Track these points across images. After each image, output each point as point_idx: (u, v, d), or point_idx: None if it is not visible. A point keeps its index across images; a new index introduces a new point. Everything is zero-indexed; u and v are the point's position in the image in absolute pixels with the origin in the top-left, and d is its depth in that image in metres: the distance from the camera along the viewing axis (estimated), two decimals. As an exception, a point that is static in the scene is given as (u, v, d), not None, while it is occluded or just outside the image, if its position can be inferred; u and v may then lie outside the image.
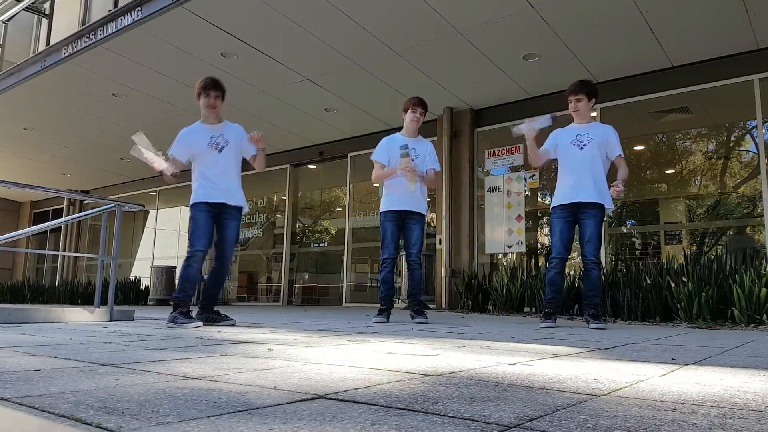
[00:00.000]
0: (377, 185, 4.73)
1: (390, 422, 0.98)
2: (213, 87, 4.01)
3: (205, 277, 4.13)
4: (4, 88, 8.24)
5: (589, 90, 4.10)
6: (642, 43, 6.22)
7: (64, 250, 14.39)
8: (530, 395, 1.26)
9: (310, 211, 11.42)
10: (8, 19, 10.70)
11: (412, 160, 4.30)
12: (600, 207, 3.95)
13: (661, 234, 7.38)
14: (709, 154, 7.16)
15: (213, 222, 3.93)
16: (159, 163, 3.88)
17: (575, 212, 3.98)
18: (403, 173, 4.25)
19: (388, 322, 4.30)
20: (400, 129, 4.64)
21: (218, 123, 4.09)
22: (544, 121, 3.93)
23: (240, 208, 4.05)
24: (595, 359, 1.97)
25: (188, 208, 3.98)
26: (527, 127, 3.95)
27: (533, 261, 7.87)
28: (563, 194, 4.02)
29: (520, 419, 1.02)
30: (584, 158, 3.99)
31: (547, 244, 4.45)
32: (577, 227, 4.05)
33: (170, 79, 7.58)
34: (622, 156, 4.08)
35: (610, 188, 3.94)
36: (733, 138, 7.21)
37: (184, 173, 4.00)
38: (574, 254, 5.17)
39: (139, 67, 7.28)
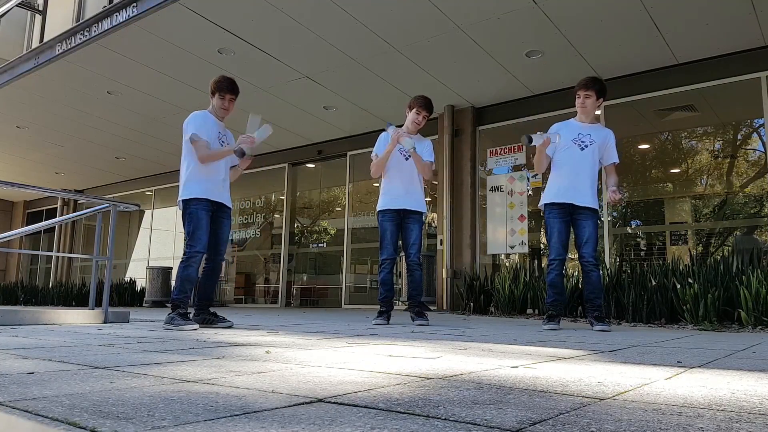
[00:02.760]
0: (377, 185, 4.65)
1: (390, 426, 0.97)
2: (230, 90, 3.96)
3: (199, 277, 4.05)
4: (-3, 85, 8.15)
5: (600, 88, 4.07)
6: (647, 40, 6.17)
7: (58, 251, 14.30)
8: (533, 399, 1.25)
9: (308, 211, 11.34)
10: (1, 15, 10.59)
11: (407, 159, 4.30)
12: (594, 209, 3.99)
13: (666, 234, 7.33)
14: (716, 152, 7.11)
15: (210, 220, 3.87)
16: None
17: (570, 212, 3.98)
18: (396, 137, 4.23)
19: (388, 324, 4.25)
20: (400, 127, 4.55)
21: (222, 122, 4.06)
22: (556, 138, 3.93)
23: (230, 208, 4.06)
24: (599, 362, 1.96)
25: (182, 201, 3.83)
26: (547, 141, 3.90)
27: (536, 262, 7.79)
28: (558, 192, 4.00)
29: (523, 423, 1.01)
30: (583, 159, 3.99)
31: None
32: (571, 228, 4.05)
33: (166, 76, 7.49)
34: (617, 163, 4.12)
35: (604, 193, 4.00)
36: (739, 136, 7.16)
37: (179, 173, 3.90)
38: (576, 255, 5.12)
39: (135, 64, 7.19)
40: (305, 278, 10.91)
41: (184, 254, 3.80)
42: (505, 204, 7.87)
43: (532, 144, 3.92)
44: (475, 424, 1.00)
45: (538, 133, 3.93)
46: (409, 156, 4.32)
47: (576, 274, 5.69)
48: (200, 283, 4.02)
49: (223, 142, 3.94)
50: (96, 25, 6.61)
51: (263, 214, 11.52)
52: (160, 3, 5.86)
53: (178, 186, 3.95)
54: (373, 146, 4.51)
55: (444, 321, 5.05)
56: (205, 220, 3.79)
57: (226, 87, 3.94)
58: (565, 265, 4.06)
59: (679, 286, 4.69)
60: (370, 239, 9.40)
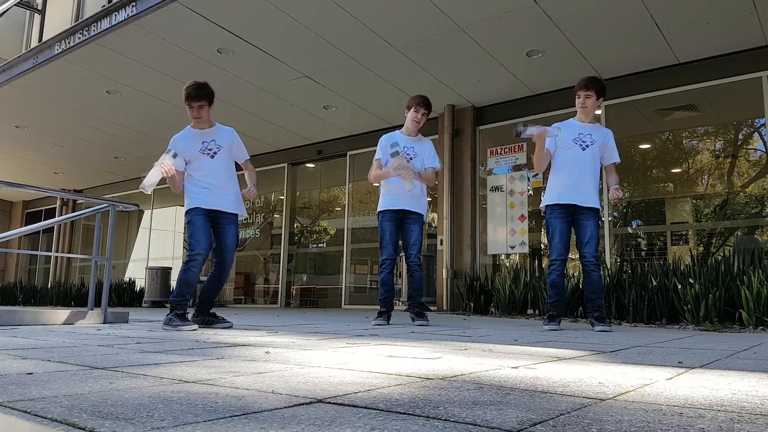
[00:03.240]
0: (377, 185, 4.63)
1: (390, 427, 0.97)
2: (194, 97, 3.77)
3: (203, 279, 4.04)
4: (-4, 85, 8.12)
5: (600, 87, 4.07)
6: (647, 39, 6.15)
7: (57, 251, 14.28)
8: (533, 399, 1.25)
9: (308, 211, 11.32)
10: (0, 15, 10.57)
11: (408, 160, 4.22)
12: (596, 209, 3.98)
13: (667, 234, 7.32)
14: (717, 152, 7.10)
15: (210, 225, 3.86)
16: (168, 168, 3.68)
17: (572, 213, 3.97)
18: (396, 173, 4.13)
19: (388, 324, 4.24)
20: (400, 127, 4.53)
21: (209, 127, 3.93)
22: (556, 132, 3.84)
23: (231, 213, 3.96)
24: (599, 362, 1.95)
25: (183, 215, 3.91)
26: (544, 133, 3.83)
27: (536, 262, 7.77)
28: (561, 193, 3.98)
29: (523, 424, 1.01)
30: (585, 159, 3.99)
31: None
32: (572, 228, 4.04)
33: (165, 75, 7.47)
34: (618, 163, 4.12)
35: (607, 192, 3.98)
36: (741, 136, 7.16)
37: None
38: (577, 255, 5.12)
39: (134, 63, 7.18)
40: (305, 278, 10.89)
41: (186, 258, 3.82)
42: (506, 204, 7.85)
43: (523, 135, 3.81)
44: (476, 425, 0.99)
45: (531, 126, 3.82)
46: (411, 158, 4.29)
47: (576, 274, 5.67)
48: (203, 287, 4.00)
49: (208, 150, 3.85)
50: (95, 24, 6.59)
51: (263, 215, 11.50)
52: (159, 2, 5.84)
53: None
54: (374, 146, 4.49)
55: (444, 321, 5.03)
56: (201, 224, 3.78)
57: (190, 95, 3.77)
58: (566, 265, 4.05)
59: (680, 287, 4.67)
60: (370, 239, 9.38)
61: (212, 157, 3.85)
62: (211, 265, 4.02)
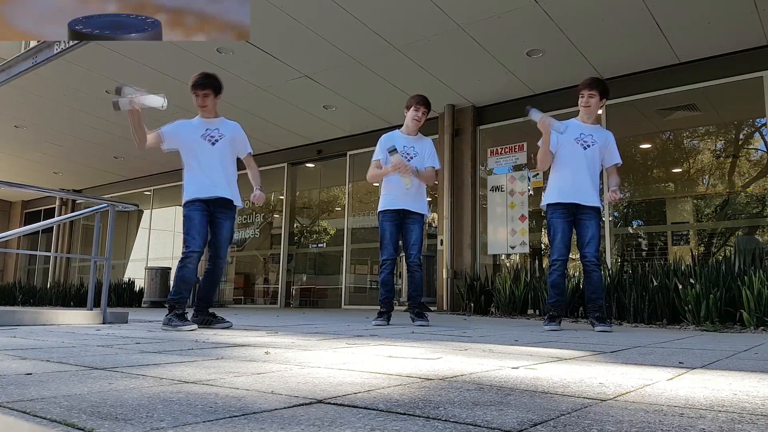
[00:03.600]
0: (377, 185, 4.63)
1: (390, 427, 0.97)
2: (200, 85, 3.88)
3: (200, 278, 4.04)
4: (-4, 84, 8.11)
5: (604, 88, 4.08)
6: (648, 39, 6.15)
7: (56, 251, 14.27)
8: (534, 400, 1.24)
9: (308, 211, 11.32)
10: None
11: (408, 160, 4.21)
12: (597, 209, 3.99)
13: (668, 234, 7.32)
14: (718, 152, 7.11)
15: (207, 221, 3.86)
16: (139, 102, 3.68)
17: (573, 212, 3.96)
18: (395, 170, 4.15)
19: (388, 324, 4.23)
20: (400, 126, 4.52)
21: (214, 118, 4.01)
22: (559, 127, 3.82)
23: (233, 205, 3.96)
24: (600, 363, 1.94)
25: (182, 207, 3.91)
26: (547, 121, 3.82)
27: (537, 262, 7.77)
28: (561, 192, 3.98)
29: (524, 424, 1.00)
30: (586, 159, 3.99)
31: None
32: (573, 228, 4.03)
33: (165, 75, 7.46)
34: (620, 164, 4.12)
35: (605, 193, 3.98)
36: (741, 136, 7.17)
37: (178, 173, 3.89)
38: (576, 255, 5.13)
39: (133, 63, 7.17)
40: (305, 278, 10.89)
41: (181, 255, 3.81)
42: (506, 204, 7.85)
43: (529, 117, 3.85)
44: (476, 425, 0.99)
45: (538, 111, 3.83)
46: (411, 157, 4.28)
47: (577, 274, 5.67)
48: (200, 284, 4.01)
49: (210, 137, 3.89)
50: (95, 24, 6.58)
51: (263, 214, 11.49)
52: (159, 2, 5.83)
53: (176, 186, 3.97)
54: (374, 146, 4.48)
55: (444, 321, 5.03)
56: (198, 220, 3.78)
57: (195, 83, 3.89)
58: (567, 265, 4.04)
59: (680, 287, 4.66)
60: (370, 239, 9.37)
61: (213, 144, 3.89)
62: (206, 261, 4.01)
